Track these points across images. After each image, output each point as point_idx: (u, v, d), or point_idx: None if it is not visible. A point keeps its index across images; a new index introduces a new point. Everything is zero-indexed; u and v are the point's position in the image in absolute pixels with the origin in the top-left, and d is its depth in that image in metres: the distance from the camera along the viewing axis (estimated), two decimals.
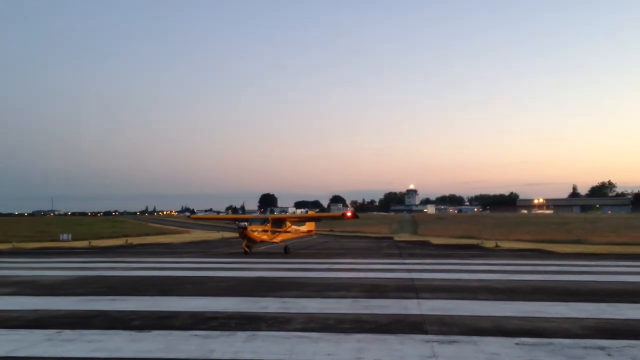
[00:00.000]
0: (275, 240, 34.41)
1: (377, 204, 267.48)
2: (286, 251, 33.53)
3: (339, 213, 41.51)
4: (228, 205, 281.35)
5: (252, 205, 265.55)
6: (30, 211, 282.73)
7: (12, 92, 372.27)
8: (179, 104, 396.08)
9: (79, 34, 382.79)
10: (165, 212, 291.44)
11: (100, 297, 15.24)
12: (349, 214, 37.13)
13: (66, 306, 13.66)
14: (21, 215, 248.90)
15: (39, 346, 9.61)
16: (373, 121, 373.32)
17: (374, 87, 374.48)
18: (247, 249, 32.68)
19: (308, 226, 40.33)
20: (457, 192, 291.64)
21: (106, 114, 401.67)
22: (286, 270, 22.94)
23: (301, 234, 39.38)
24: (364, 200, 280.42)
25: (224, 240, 52.23)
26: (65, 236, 50.28)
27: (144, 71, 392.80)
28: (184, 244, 44.91)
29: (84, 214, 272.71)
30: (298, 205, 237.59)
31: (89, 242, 43.84)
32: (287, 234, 35.91)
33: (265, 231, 33.47)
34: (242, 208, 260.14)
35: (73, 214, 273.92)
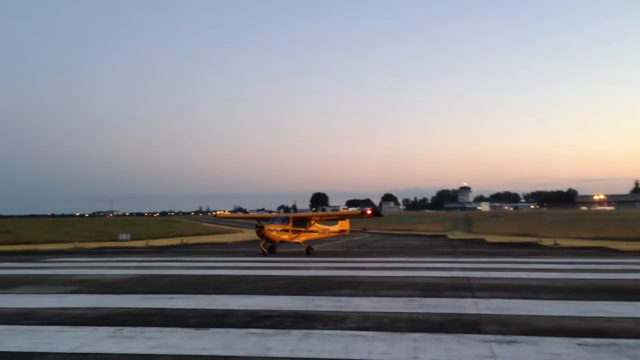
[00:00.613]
0: (297, 240, 32.56)
1: (430, 201, 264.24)
2: (308, 252, 31.88)
3: (358, 211, 39.27)
4: (280, 204, 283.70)
5: (304, 204, 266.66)
6: (91, 212, 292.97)
7: (74, 96, 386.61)
8: (227, 104, 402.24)
9: (148, 35, 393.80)
10: (217, 213, 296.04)
11: (159, 295, 15.62)
12: (369, 211, 33.79)
13: (127, 304, 14.06)
14: (82, 216, 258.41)
15: (102, 343, 9.92)
16: (425, 118, 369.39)
17: (427, 84, 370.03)
18: (264, 249, 31.20)
19: (341, 225, 38.24)
20: (512, 188, 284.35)
21: (158, 119, 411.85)
22: (339, 269, 22.94)
23: (332, 234, 37.47)
24: (415, 198, 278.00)
25: None
26: (124, 236, 51.70)
27: (187, 74, 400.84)
28: (237, 243, 45.51)
29: (140, 214, 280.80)
30: (350, 203, 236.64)
31: (147, 242, 45.00)
32: (313, 234, 34.35)
33: (286, 231, 31.88)
34: (294, 207, 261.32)
35: (131, 214, 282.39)
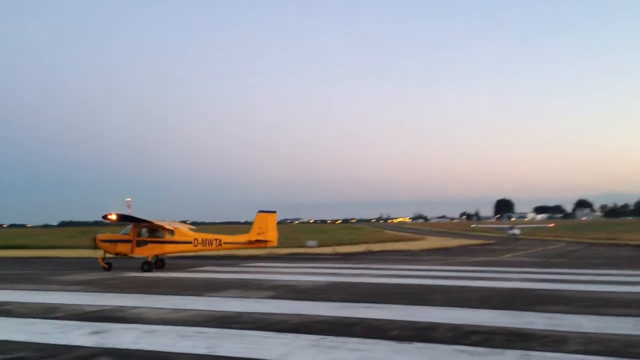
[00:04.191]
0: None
1: (632, 207, 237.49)
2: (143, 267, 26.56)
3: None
4: (462, 211, 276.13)
5: (488, 211, 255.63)
6: (279, 219, 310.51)
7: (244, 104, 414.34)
8: (409, 106, 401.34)
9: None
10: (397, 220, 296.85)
11: (355, 304, 15.38)
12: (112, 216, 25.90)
13: (325, 312, 13.96)
14: None
15: (307, 351, 9.78)
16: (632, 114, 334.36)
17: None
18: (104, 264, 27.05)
19: (256, 234, 28.47)
20: None
21: (344, 125, 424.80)
22: (541, 281, 20.97)
23: (227, 246, 28.83)
24: (615, 204, 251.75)
25: (462, 247, 50.78)
26: (311, 242, 53.27)
27: (378, 83, 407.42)
28: (422, 251, 44.59)
29: (324, 221, 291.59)
30: (538, 210, 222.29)
31: (333, 249, 45.97)
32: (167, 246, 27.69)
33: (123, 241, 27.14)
34: (477, 214, 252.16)
35: (315, 221, 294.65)
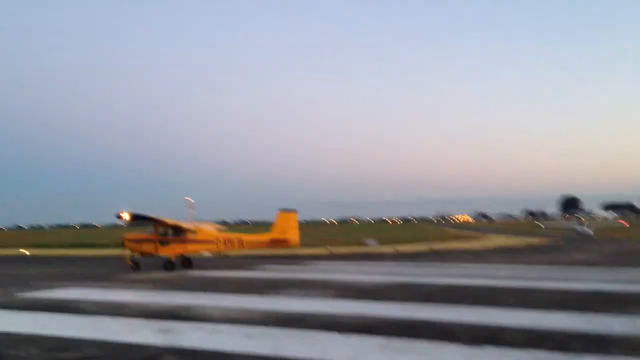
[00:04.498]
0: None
1: None
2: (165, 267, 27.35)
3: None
4: (523, 209, 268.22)
5: (552, 208, 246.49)
6: (337, 218, 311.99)
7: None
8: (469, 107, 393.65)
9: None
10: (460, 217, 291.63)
11: (420, 304, 14.98)
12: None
13: (390, 313, 13.66)
14: (330, 222, 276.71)
15: (374, 354, 9.60)
16: None
17: None
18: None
19: (277, 232, 28.30)
20: None
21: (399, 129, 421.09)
22: (618, 282, 19.81)
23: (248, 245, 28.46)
24: None
25: (529, 246, 49.10)
26: (371, 241, 52.88)
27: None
28: (487, 250, 43.36)
29: (383, 220, 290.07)
30: (608, 208, 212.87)
31: (395, 248, 45.38)
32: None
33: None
34: (543, 213, 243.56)
35: (373, 220, 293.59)
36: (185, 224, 28.54)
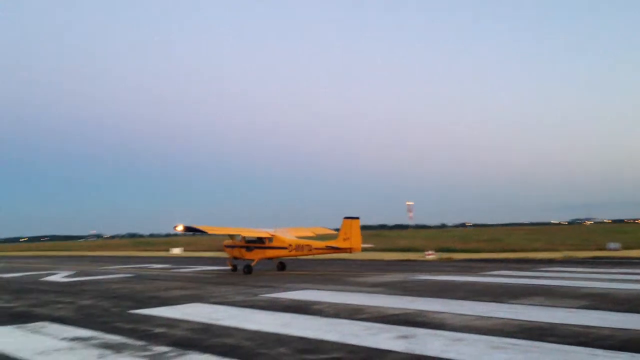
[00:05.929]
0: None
1: None
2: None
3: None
4: None
5: None
6: (568, 220, 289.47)
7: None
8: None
9: None
10: None
11: None
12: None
13: None
14: (557, 224, 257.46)
15: None
16: None
17: None
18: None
19: (342, 240, 29.07)
20: None
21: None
22: None
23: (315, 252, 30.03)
24: None
25: None
26: (613, 245, 47.73)
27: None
28: None
29: (619, 221, 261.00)
30: None
31: None
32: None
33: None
34: None
35: (612, 221, 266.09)
36: (259, 232, 31.23)
